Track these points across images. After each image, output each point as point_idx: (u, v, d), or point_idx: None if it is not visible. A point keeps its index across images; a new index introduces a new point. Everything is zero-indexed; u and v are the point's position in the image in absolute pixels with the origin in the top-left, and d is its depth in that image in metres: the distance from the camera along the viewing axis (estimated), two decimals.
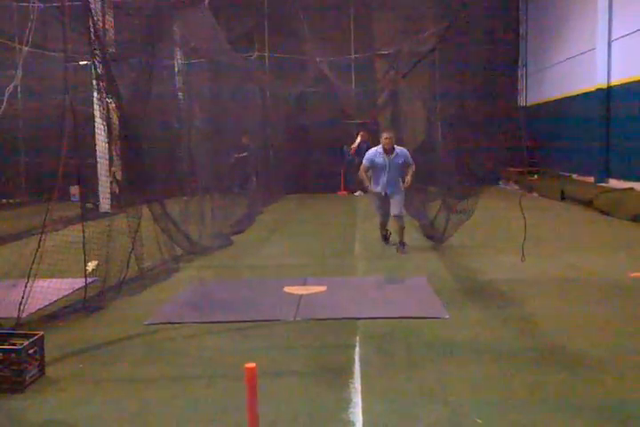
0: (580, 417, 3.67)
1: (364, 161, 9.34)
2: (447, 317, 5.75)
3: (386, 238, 10.03)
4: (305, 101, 21.89)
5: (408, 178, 9.23)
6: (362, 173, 9.37)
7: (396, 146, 9.29)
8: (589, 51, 17.56)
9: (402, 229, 9.35)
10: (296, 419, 3.72)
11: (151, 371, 4.59)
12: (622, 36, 15.84)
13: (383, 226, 9.90)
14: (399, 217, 9.31)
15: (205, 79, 12.90)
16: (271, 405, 3.82)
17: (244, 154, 16.96)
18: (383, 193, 9.28)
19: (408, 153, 9.36)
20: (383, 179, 9.22)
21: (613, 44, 16.45)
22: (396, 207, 9.29)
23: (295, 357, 4.81)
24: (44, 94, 17.44)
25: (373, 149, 9.39)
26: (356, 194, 19.92)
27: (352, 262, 8.68)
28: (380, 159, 9.20)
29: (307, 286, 7.15)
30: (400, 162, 9.22)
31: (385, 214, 9.58)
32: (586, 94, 17.95)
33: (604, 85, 16.76)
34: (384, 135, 9.34)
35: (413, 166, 9.29)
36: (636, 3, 14.95)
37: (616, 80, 16.35)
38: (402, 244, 9.32)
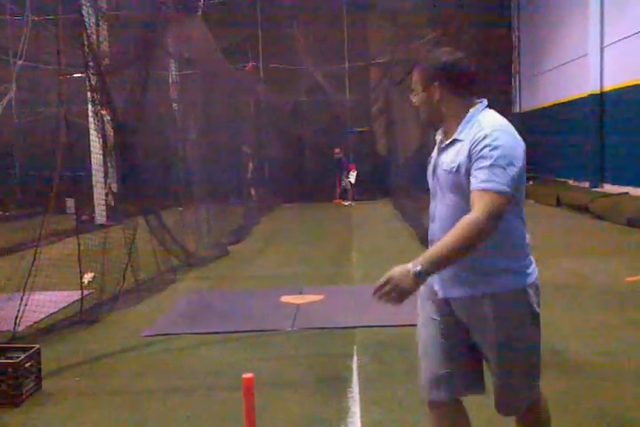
0: (579, 423, 3.65)
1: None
2: None
3: None
4: (300, 111, 21.95)
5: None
6: None
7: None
8: (582, 57, 17.62)
9: None
10: None
11: (148, 383, 4.57)
12: (614, 42, 15.91)
13: None
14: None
15: (199, 90, 12.92)
16: (269, 415, 3.80)
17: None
18: (432, 291, 2.63)
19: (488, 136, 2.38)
20: (433, 222, 2.66)
21: (605, 50, 16.52)
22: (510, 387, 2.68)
23: (293, 366, 4.80)
24: (39, 107, 17.49)
25: None
26: (346, 204, 19.74)
27: (349, 271, 8.66)
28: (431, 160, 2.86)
29: (304, 295, 7.14)
30: (457, 163, 2.48)
31: (449, 390, 2.66)
32: (579, 100, 18.00)
33: (597, 91, 16.82)
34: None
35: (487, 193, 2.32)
36: (628, 8, 15.03)
37: (609, 86, 16.41)
38: None
